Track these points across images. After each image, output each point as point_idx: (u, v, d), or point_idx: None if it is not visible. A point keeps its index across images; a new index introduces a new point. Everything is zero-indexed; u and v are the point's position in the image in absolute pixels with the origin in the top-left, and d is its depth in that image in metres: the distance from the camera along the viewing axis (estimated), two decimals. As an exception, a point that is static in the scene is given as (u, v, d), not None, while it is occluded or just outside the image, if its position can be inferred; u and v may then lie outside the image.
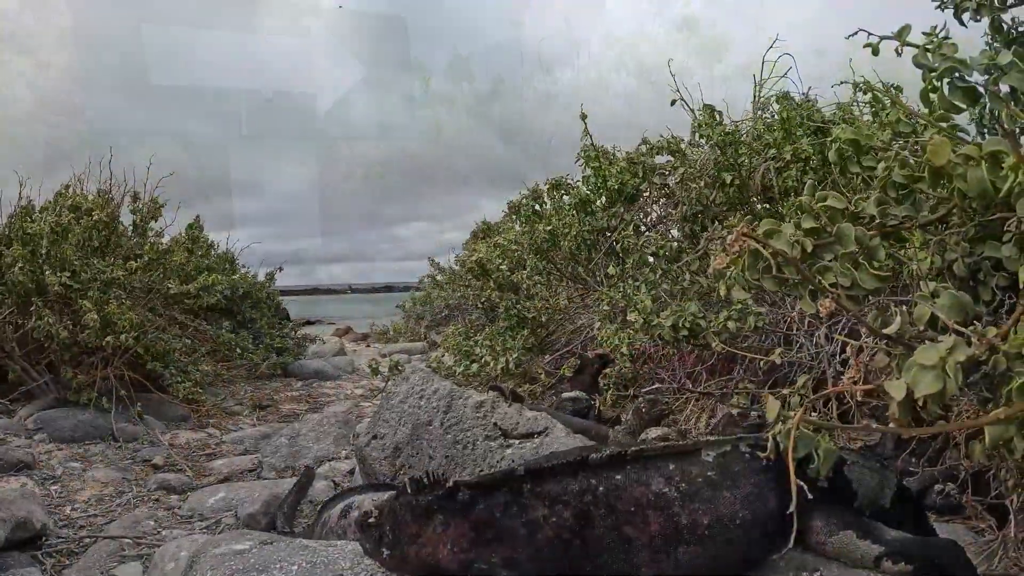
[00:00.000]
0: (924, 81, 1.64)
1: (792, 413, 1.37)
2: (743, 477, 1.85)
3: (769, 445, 1.47)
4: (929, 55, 1.68)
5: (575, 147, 5.46)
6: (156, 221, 7.31)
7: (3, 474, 4.41)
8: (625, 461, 1.84)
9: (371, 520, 1.88)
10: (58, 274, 5.57)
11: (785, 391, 3.00)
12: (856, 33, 1.88)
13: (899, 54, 1.78)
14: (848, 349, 1.45)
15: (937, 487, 2.59)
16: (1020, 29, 2.16)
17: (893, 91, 4.02)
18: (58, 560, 3.36)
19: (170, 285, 6.63)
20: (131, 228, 7.06)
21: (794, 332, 3.51)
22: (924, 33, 1.74)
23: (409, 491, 1.85)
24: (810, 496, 1.43)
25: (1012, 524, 1.95)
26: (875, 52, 1.82)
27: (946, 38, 1.75)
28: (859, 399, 1.77)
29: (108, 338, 5.47)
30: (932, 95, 1.61)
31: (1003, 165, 1.22)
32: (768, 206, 4.43)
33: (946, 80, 1.59)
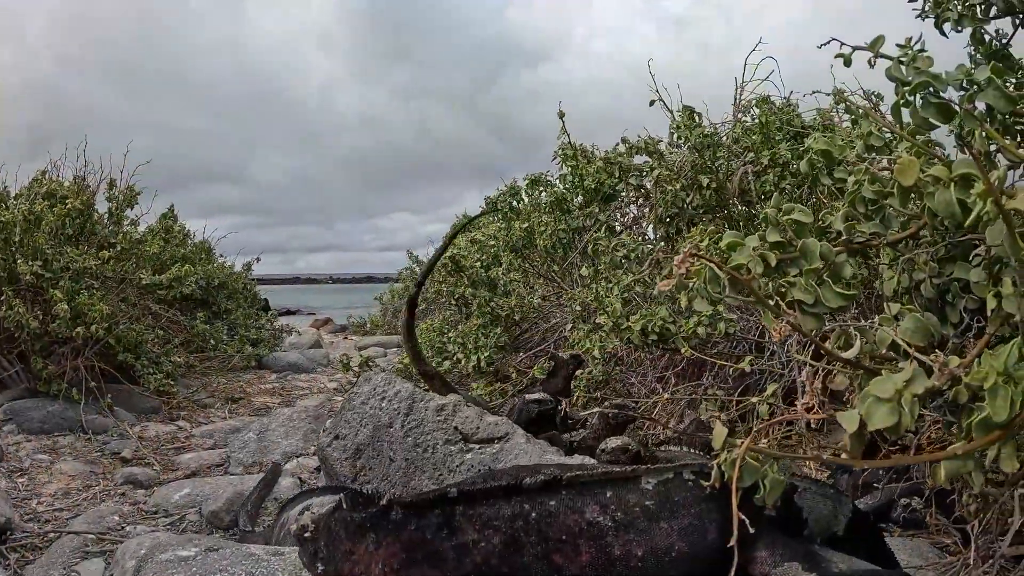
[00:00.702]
0: (896, 95, 1.60)
1: (739, 441, 1.32)
2: (684, 507, 1.79)
3: (714, 474, 1.42)
4: (903, 68, 1.64)
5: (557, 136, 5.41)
6: (132, 209, 7.22)
7: (-29, 466, 4.36)
8: (560, 486, 1.79)
9: (307, 534, 1.84)
10: (30, 263, 5.49)
11: (754, 399, 2.97)
12: (829, 42, 1.84)
13: (872, 66, 1.74)
14: (804, 373, 1.40)
15: (902, 501, 2.57)
16: (1003, 41, 2.12)
17: (873, 99, 3.99)
18: (22, 555, 3.31)
19: (142, 275, 6.55)
20: (106, 216, 6.97)
21: (766, 340, 3.48)
22: (898, 45, 1.70)
23: (345, 506, 1.80)
24: (752, 530, 1.38)
25: (973, 548, 1.92)
26: (847, 63, 1.78)
27: (921, 50, 1.71)
28: (813, 426, 1.73)
29: (78, 329, 5.40)
30: (905, 109, 1.56)
31: (971, 190, 1.17)
32: (746, 208, 4.40)
33: (919, 95, 1.55)
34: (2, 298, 5.49)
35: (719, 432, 1.30)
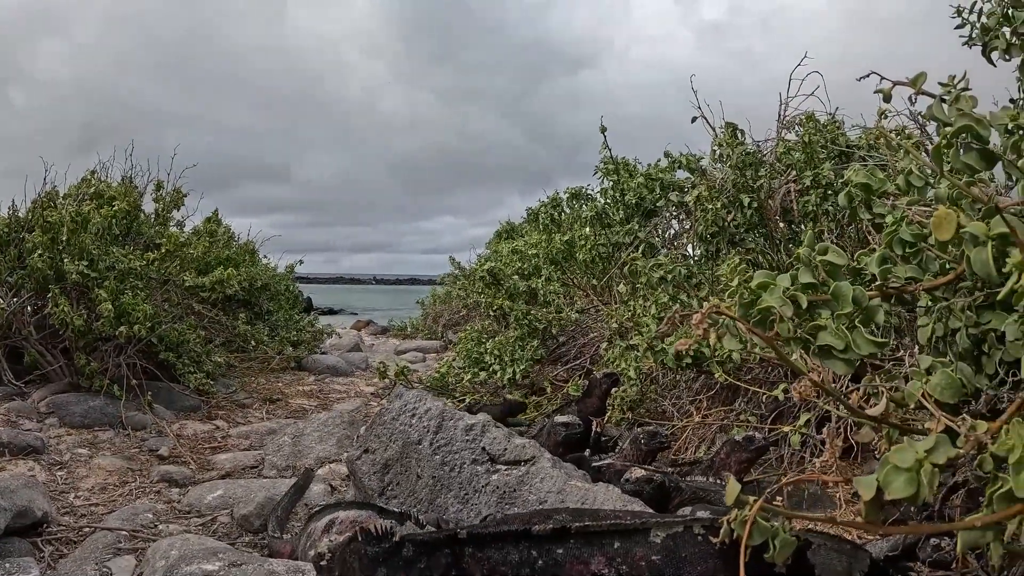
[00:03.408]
0: (938, 135, 1.55)
1: (751, 499, 1.29)
2: (690, 564, 1.75)
3: (722, 531, 1.39)
4: (944, 108, 1.59)
5: (599, 147, 5.34)
6: (178, 210, 7.34)
7: (13, 457, 4.43)
8: (569, 535, 1.78)
9: (323, 563, 1.86)
10: (76, 262, 5.58)
11: (786, 428, 2.93)
12: (869, 75, 1.79)
13: (912, 102, 1.69)
14: (825, 429, 1.36)
15: (932, 541, 2.51)
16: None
17: (920, 119, 3.90)
18: (56, 548, 3.35)
19: (186, 277, 6.63)
20: (153, 217, 7.08)
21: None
22: (940, 83, 1.65)
23: (360, 539, 1.81)
24: None
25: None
26: (887, 99, 1.73)
27: (965, 89, 1.65)
28: (828, 488, 1.68)
29: (122, 328, 5.48)
30: (947, 151, 1.51)
31: (1008, 255, 1.13)
32: (787, 226, 4.33)
33: (960, 139, 1.49)
34: (48, 296, 5.59)
35: (732, 488, 1.27)
